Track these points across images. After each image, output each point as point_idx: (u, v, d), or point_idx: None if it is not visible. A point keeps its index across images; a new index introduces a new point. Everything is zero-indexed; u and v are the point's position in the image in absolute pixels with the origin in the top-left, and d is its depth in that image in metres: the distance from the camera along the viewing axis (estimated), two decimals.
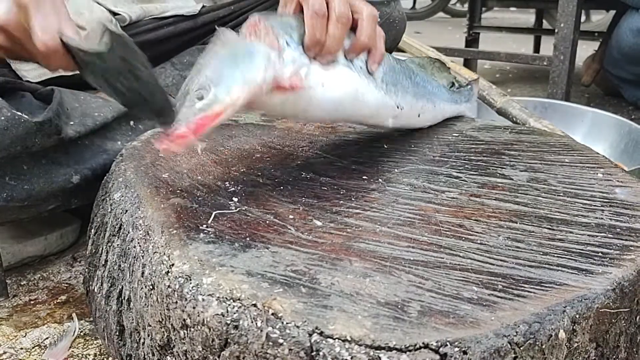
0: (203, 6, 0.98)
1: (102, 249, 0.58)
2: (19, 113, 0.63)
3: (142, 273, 0.46)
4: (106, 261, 0.57)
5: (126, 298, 0.50)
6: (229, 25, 0.97)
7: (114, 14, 0.83)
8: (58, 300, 0.73)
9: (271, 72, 0.54)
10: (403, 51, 1.46)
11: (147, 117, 0.55)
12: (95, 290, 0.59)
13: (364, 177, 0.62)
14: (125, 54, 0.49)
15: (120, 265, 0.52)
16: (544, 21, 2.69)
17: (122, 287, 0.51)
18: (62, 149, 0.68)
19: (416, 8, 4.78)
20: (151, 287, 0.44)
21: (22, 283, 0.78)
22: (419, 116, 0.76)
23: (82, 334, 0.66)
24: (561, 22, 1.37)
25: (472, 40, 2.26)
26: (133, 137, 0.77)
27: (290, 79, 0.56)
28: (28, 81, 0.73)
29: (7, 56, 0.61)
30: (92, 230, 0.63)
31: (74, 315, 0.69)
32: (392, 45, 1.04)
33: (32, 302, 0.73)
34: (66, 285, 0.77)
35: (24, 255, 0.82)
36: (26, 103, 0.68)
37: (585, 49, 1.84)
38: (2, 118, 0.61)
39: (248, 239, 0.46)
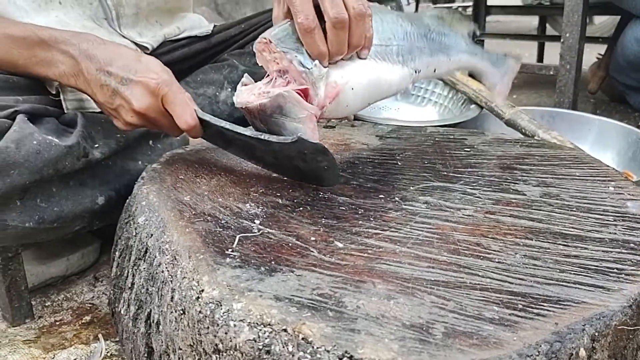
0: (215, 26, 1.01)
1: (128, 271, 0.60)
2: (50, 137, 0.65)
3: (172, 297, 0.48)
4: (133, 284, 0.58)
5: (155, 321, 0.52)
6: (240, 43, 0.99)
7: (138, 44, 0.86)
8: (83, 321, 0.75)
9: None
10: None
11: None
12: (122, 312, 0.61)
13: (380, 196, 0.63)
14: (308, 150, 0.60)
15: (147, 289, 0.54)
16: (547, 25, 2.70)
17: (151, 310, 0.53)
18: (88, 170, 0.70)
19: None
20: (182, 311, 0.46)
21: (46, 304, 0.80)
22: (434, 71, 0.77)
23: (108, 354, 0.68)
24: (567, 31, 1.38)
25: None
26: (153, 156, 0.79)
27: (326, 97, 0.61)
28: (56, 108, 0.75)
29: (136, 129, 0.69)
30: (117, 253, 0.65)
31: (100, 336, 0.71)
32: None
33: (57, 323, 0.75)
34: (90, 305, 0.79)
35: (47, 276, 0.84)
36: (52, 128, 0.70)
37: (589, 52, 1.85)
38: (35, 142, 0.63)
39: (273, 262, 0.48)
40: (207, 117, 0.64)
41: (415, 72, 0.71)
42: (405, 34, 0.70)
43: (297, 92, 0.59)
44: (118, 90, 0.64)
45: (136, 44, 0.85)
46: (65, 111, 0.74)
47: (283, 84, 0.60)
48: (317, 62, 0.60)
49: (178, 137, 0.80)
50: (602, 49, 1.96)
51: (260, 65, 0.63)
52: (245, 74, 0.64)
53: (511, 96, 2.25)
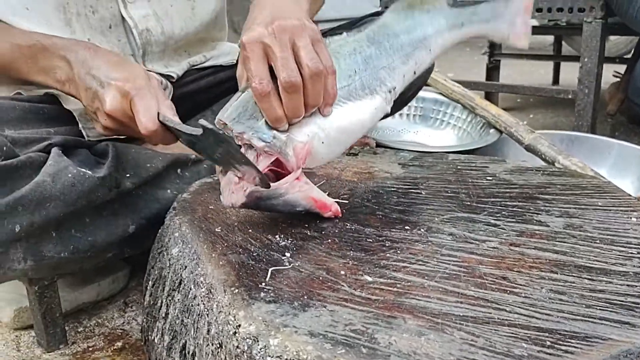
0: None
1: (162, 301, 0.62)
2: (83, 170, 0.68)
3: (208, 331, 0.50)
4: (167, 314, 0.60)
5: (190, 352, 0.53)
6: None
7: (163, 74, 0.88)
8: (115, 347, 0.77)
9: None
10: (428, 85, 1.49)
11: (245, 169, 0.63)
12: (156, 340, 0.62)
13: (406, 227, 0.65)
14: (217, 142, 0.57)
15: (183, 320, 0.56)
16: (563, 42, 2.71)
17: (186, 342, 0.55)
18: (120, 200, 0.73)
19: None
20: (218, 345, 0.48)
21: (79, 330, 0.82)
22: (415, 73, 0.71)
23: None
24: (585, 56, 1.40)
25: (493, 68, 2.29)
26: (181, 184, 0.81)
27: (298, 160, 0.61)
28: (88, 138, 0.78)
29: (114, 134, 0.71)
30: (150, 282, 0.67)
31: None
32: (419, 87, 1.08)
33: (90, 349, 0.77)
34: (121, 331, 0.81)
35: (79, 301, 0.86)
36: (85, 159, 0.73)
37: (606, 69, 1.85)
38: (70, 175, 0.66)
39: (306, 297, 0.49)
40: (170, 123, 0.63)
41: (390, 91, 0.67)
42: (366, 60, 0.65)
43: (270, 170, 0.61)
44: (97, 93, 0.67)
45: (161, 74, 0.88)
46: (86, 139, 0.77)
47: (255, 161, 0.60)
48: (274, 132, 0.59)
49: (199, 163, 0.83)
50: (617, 67, 1.96)
51: None
52: (228, 175, 0.61)
53: (528, 116, 2.26)
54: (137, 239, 0.76)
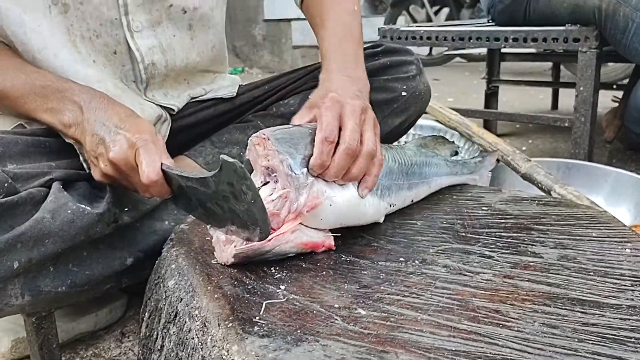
0: (239, 86, 1.05)
1: (158, 334, 0.62)
2: (82, 206, 0.68)
3: None
4: (162, 346, 0.60)
5: None
6: (264, 104, 1.03)
7: (163, 106, 0.90)
8: None
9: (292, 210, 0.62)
10: (425, 113, 1.51)
11: (235, 229, 0.61)
12: None
13: (401, 259, 0.65)
14: (232, 178, 0.57)
15: (177, 353, 0.56)
16: (561, 67, 2.74)
17: None
18: (117, 233, 0.74)
19: (433, 54, 4.89)
20: None
21: None
22: (412, 201, 0.82)
23: None
24: (580, 85, 1.41)
25: (491, 94, 2.31)
26: (179, 215, 0.82)
27: (305, 205, 0.63)
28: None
29: (110, 182, 0.72)
30: (146, 314, 0.67)
31: None
32: (418, 116, 1.09)
33: None
34: None
35: (76, 332, 0.86)
36: (84, 193, 0.74)
37: (603, 94, 1.87)
38: (69, 212, 0.67)
39: (299, 331, 0.50)
40: (175, 171, 0.64)
41: (390, 206, 0.75)
42: (388, 171, 0.74)
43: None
44: (104, 140, 0.69)
45: (161, 106, 0.90)
46: (87, 171, 0.79)
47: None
48: (305, 170, 0.62)
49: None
50: (614, 92, 1.97)
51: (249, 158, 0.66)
52: (216, 234, 0.63)
53: (527, 142, 2.27)
54: (134, 270, 0.76)
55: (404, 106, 1.01)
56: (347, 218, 0.69)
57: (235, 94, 1.01)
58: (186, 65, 0.91)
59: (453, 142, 0.95)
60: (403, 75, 1.02)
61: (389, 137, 1.03)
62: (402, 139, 1.45)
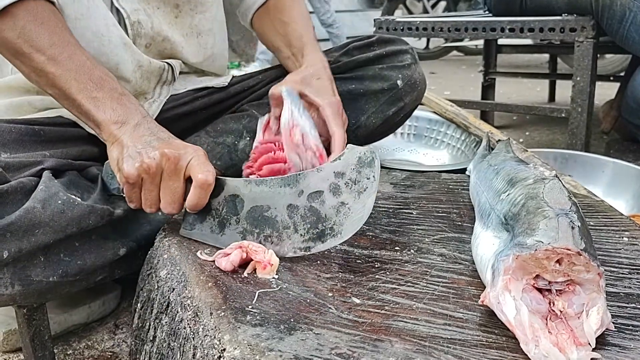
0: (233, 77, 1.04)
1: (150, 324, 0.61)
2: (73, 196, 0.67)
3: (194, 355, 0.49)
4: (154, 337, 0.60)
5: None
6: (258, 94, 1.02)
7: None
8: None
9: None
10: (422, 104, 1.50)
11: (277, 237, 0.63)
12: None
13: (397, 248, 0.64)
14: (354, 165, 0.63)
15: (169, 344, 0.55)
16: (558, 59, 2.73)
17: None
18: (110, 224, 0.72)
19: (429, 48, 4.87)
20: None
21: (68, 352, 0.81)
22: None
23: None
24: (577, 75, 1.41)
25: (488, 86, 2.30)
26: None
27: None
28: (82, 160, 0.78)
29: (130, 194, 0.68)
30: (139, 305, 0.66)
31: None
32: (414, 107, 1.08)
33: None
34: (110, 353, 0.80)
35: (69, 323, 0.85)
36: (75, 181, 0.73)
37: (600, 86, 1.85)
38: (59, 202, 0.66)
39: (292, 320, 0.49)
40: (225, 179, 0.65)
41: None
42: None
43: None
44: (157, 140, 0.66)
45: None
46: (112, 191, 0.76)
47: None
48: None
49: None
50: (611, 84, 1.97)
51: None
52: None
53: (524, 134, 2.26)
54: (127, 261, 0.75)
55: (399, 95, 1.00)
56: None
57: (227, 83, 1.00)
58: (172, 46, 0.90)
59: None
60: (398, 64, 1.01)
61: (383, 126, 1.02)
62: (399, 131, 1.45)
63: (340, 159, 0.63)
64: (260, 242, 0.62)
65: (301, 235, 0.62)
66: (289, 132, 0.73)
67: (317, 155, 0.73)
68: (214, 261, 0.60)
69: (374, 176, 0.62)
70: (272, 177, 0.64)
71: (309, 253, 0.62)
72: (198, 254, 0.62)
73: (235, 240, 0.63)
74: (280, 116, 0.75)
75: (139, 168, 0.64)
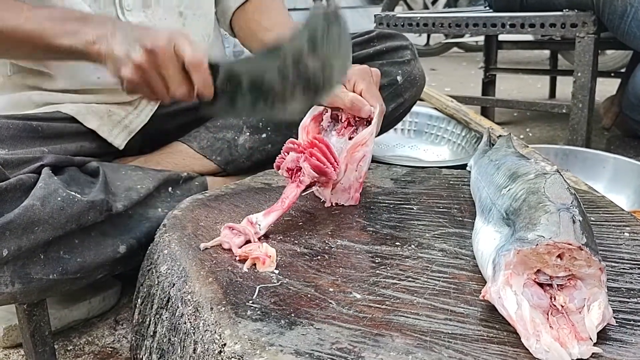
0: None
1: (150, 319, 0.61)
2: (73, 193, 0.67)
3: (194, 350, 0.49)
4: (155, 332, 0.59)
5: None
6: None
7: None
8: None
9: None
10: (422, 100, 1.50)
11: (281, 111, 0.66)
12: (144, 359, 0.62)
13: (397, 243, 0.64)
14: (319, 25, 0.63)
15: (170, 339, 0.55)
16: (559, 55, 2.72)
17: None
18: (109, 221, 0.72)
19: (430, 44, 4.86)
20: None
21: (68, 348, 0.81)
22: None
23: None
24: (578, 71, 1.40)
25: (488, 82, 2.29)
26: (172, 203, 0.81)
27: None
28: (80, 156, 0.78)
29: (137, 93, 0.70)
30: (139, 300, 0.66)
31: None
32: (413, 102, 1.08)
33: None
34: (111, 349, 0.80)
35: (69, 319, 0.85)
36: (75, 177, 0.72)
37: (602, 82, 1.85)
38: (59, 199, 0.65)
39: (293, 315, 0.49)
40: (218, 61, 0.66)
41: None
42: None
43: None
44: (140, 36, 0.65)
45: None
46: (119, 149, 0.79)
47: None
48: None
49: (190, 180, 0.84)
50: (611, 81, 1.96)
51: None
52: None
53: (525, 130, 2.26)
54: (127, 258, 0.75)
55: (399, 91, 1.00)
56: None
57: None
58: None
59: None
60: (398, 59, 1.01)
61: (383, 122, 1.02)
62: (399, 127, 1.44)
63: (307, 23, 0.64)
64: (266, 106, 0.66)
65: (301, 93, 0.65)
66: (356, 146, 0.74)
67: (358, 181, 0.75)
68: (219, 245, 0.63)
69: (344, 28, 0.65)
70: (257, 53, 0.67)
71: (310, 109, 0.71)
72: (201, 245, 0.62)
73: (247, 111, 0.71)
74: (332, 114, 0.79)
75: (133, 74, 0.65)
